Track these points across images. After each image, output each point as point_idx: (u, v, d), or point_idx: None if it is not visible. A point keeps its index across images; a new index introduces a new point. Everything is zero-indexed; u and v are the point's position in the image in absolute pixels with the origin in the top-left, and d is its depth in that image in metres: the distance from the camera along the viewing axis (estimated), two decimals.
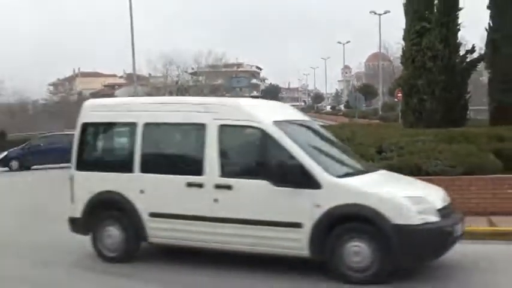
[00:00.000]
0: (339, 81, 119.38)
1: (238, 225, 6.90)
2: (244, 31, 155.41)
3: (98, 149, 8.90)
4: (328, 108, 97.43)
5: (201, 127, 7.22)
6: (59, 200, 12.89)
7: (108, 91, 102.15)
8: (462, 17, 15.32)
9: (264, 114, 7.31)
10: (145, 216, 7.37)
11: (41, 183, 20.45)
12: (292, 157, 6.69)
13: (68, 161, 9.28)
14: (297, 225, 6.57)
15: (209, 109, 7.34)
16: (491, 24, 14.38)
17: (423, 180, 9.61)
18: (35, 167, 29.32)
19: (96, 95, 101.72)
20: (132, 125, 7.71)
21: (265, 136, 6.95)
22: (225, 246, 7.13)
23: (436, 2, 15.18)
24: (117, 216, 7.72)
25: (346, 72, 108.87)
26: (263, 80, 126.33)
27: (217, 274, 7.06)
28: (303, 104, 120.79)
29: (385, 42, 66.31)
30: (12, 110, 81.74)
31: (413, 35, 15.10)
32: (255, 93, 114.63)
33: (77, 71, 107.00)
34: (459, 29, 15.31)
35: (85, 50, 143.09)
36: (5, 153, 31.10)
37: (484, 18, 14.68)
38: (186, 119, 7.51)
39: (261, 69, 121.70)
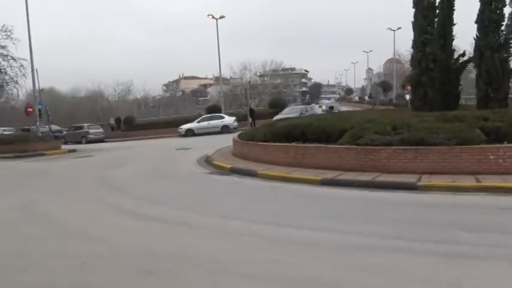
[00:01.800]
0: (364, 79, 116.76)
1: None
2: (296, 43, 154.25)
3: None
4: (356, 98, 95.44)
5: None
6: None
7: (203, 89, 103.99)
8: (456, 29, 14.79)
9: None
10: None
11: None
12: None
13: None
14: None
15: None
16: (478, 35, 13.81)
17: (426, 149, 9.48)
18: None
19: (194, 92, 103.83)
20: None
21: None
22: None
23: (436, 19, 14.74)
24: None
25: (369, 73, 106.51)
26: (310, 79, 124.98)
27: None
28: (337, 96, 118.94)
29: (398, 50, 65.15)
30: (139, 103, 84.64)
31: (419, 44, 14.71)
32: (303, 88, 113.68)
33: (181, 75, 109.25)
34: (453, 39, 14.82)
35: (187, 59, 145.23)
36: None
37: (472, 29, 14.06)
38: None
39: (308, 71, 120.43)
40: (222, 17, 40.18)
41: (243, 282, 4.34)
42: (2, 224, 7.65)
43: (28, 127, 38.11)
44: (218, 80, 57.59)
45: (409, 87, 26.27)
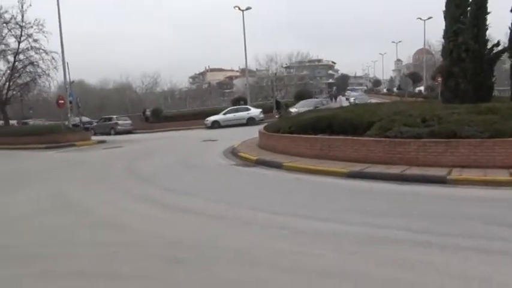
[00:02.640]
0: (392, 70, 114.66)
1: None
2: (323, 35, 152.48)
3: None
4: (385, 90, 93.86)
5: None
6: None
7: (229, 81, 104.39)
8: (490, 18, 14.28)
9: None
10: None
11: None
12: None
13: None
14: None
15: None
16: None
17: (457, 142, 9.25)
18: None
19: (220, 84, 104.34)
20: None
21: None
22: None
23: (469, 8, 14.28)
24: None
25: (398, 64, 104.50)
26: (336, 70, 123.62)
27: None
28: (365, 87, 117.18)
29: (428, 41, 63.57)
30: (166, 95, 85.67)
31: (451, 34, 14.28)
32: (330, 80, 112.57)
33: (207, 67, 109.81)
34: (487, 28, 14.31)
35: (213, 52, 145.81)
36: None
37: (507, 18, 13.55)
38: None
39: (335, 63, 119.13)
40: (248, 8, 40.04)
41: (269, 273, 4.37)
42: (34, 213, 7.91)
43: (26, 120, 40.22)
44: (244, 72, 57.62)
45: (439, 79, 25.64)
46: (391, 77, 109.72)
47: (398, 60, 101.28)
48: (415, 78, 61.37)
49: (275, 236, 5.56)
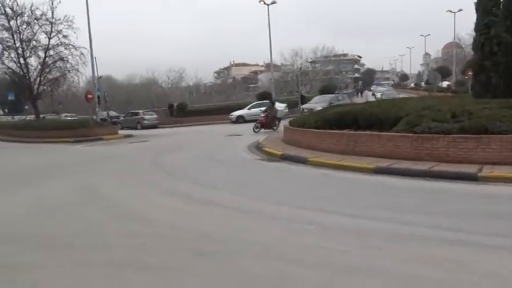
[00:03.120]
0: (420, 64, 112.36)
1: None
2: (349, 29, 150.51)
3: None
4: (412, 85, 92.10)
5: None
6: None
7: (253, 76, 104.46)
8: None
9: None
10: None
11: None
12: None
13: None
14: None
15: None
16: None
17: (489, 138, 9.00)
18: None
19: (245, 78, 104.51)
20: None
21: None
22: None
23: (501, 0, 13.87)
24: None
25: (426, 58, 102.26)
26: (362, 65, 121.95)
27: None
28: (391, 82, 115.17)
29: (458, 34, 62.12)
30: (191, 89, 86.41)
31: (482, 27, 13.92)
32: (356, 75, 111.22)
33: (232, 62, 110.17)
34: None
35: (238, 47, 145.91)
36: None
37: None
38: None
39: (361, 57, 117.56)
40: (273, 2, 39.88)
41: (294, 268, 4.38)
42: (64, 206, 8.09)
43: (43, 115, 41.55)
44: (269, 66, 57.57)
45: (470, 73, 24.99)
46: (419, 72, 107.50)
47: (427, 54, 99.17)
48: (443, 72, 60.05)
49: (300, 231, 5.57)
